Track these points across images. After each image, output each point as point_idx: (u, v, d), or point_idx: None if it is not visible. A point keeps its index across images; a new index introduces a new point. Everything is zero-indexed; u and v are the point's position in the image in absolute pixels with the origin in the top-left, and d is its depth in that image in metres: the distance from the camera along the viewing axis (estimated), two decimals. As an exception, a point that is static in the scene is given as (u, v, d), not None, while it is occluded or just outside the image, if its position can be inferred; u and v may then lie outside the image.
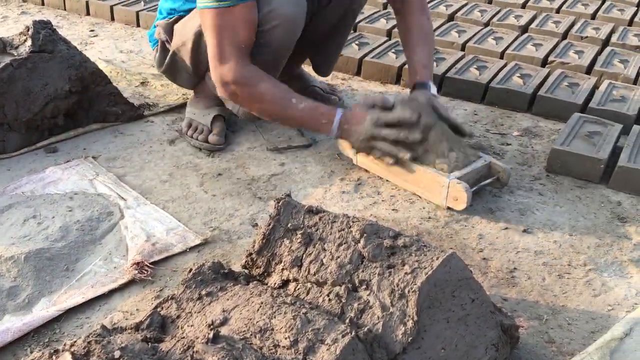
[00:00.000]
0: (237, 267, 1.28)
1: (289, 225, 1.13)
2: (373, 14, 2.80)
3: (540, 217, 1.58)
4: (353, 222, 1.16)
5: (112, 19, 2.85)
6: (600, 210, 1.61)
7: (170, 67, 1.90)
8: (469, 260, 1.42)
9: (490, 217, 1.58)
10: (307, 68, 2.19)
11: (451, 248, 1.46)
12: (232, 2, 1.54)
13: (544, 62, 2.37)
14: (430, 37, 1.87)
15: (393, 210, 1.60)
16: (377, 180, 1.72)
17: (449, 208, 1.59)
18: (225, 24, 1.56)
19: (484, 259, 1.43)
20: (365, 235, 1.12)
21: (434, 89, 1.76)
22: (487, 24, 2.73)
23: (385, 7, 2.94)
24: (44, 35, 1.79)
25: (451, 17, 2.80)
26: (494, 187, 1.67)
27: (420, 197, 1.65)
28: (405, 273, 1.06)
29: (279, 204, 1.15)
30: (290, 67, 2.12)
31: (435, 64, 2.32)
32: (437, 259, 1.08)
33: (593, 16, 2.86)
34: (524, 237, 1.51)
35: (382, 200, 1.64)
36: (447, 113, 1.66)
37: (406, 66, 2.28)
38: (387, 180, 1.72)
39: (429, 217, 1.58)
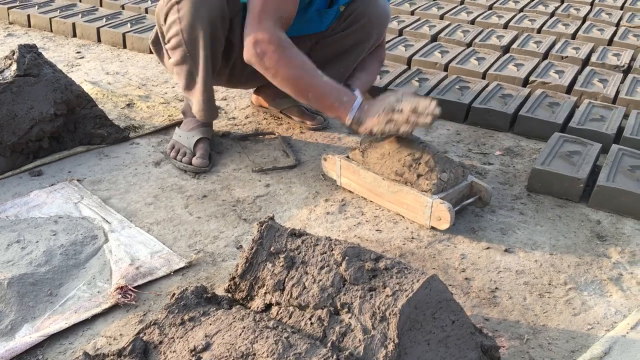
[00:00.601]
0: (221, 290, 1.29)
1: (271, 249, 1.14)
2: (392, 39, 2.81)
3: (522, 236, 1.61)
4: (335, 245, 1.17)
5: (99, 40, 2.87)
6: (580, 229, 1.64)
7: (156, 39, 1.94)
8: (451, 281, 1.43)
9: (473, 237, 1.60)
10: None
11: (434, 268, 1.47)
12: None
13: (525, 82, 2.41)
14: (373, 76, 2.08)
15: (377, 230, 1.62)
16: (361, 200, 1.74)
17: (432, 228, 1.61)
18: None
19: (466, 278, 1.45)
20: (347, 258, 1.14)
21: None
22: (469, 45, 2.77)
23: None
24: (30, 59, 1.80)
25: (434, 38, 2.84)
26: (476, 206, 1.70)
27: (403, 217, 1.66)
28: (387, 295, 1.08)
29: (262, 228, 1.16)
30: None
31: (418, 83, 2.36)
32: (418, 281, 1.09)
33: (573, 36, 2.92)
34: (506, 257, 1.53)
35: (366, 221, 1.66)
36: None
37: (390, 87, 2.32)
38: (370, 201, 1.73)
39: (412, 238, 1.59)
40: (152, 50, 1.99)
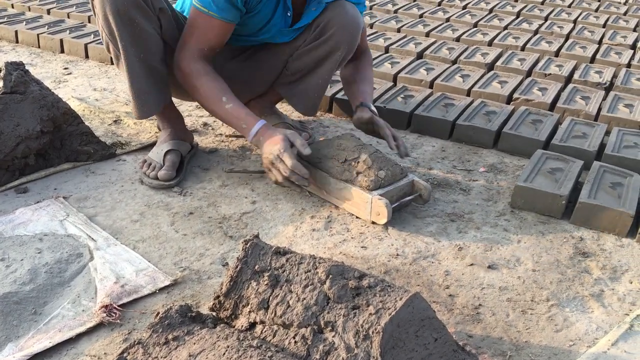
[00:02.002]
0: (206, 308, 1.29)
1: (256, 267, 1.15)
2: (378, 56, 2.84)
3: (505, 252, 1.63)
4: (319, 263, 1.18)
5: (87, 56, 2.88)
6: (562, 246, 1.66)
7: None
8: (435, 297, 1.45)
9: (457, 254, 1.62)
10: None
11: (418, 285, 1.49)
12: (215, 15, 1.76)
13: (509, 99, 2.44)
14: (372, 83, 2.13)
15: (362, 247, 1.63)
16: (346, 217, 1.76)
17: (373, 222, 1.71)
18: (201, 25, 1.79)
19: (450, 295, 1.46)
20: (330, 276, 1.15)
21: (373, 109, 1.97)
22: (454, 62, 2.81)
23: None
24: (16, 77, 1.81)
25: (420, 55, 2.88)
26: (417, 203, 1.79)
27: (388, 234, 1.68)
28: (370, 314, 1.09)
29: (247, 246, 1.17)
30: (267, 105, 2.18)
31: (404, 101, 2.39)
32: (401, 299, 1.11)
33: (556, 54, 2.97)
34: (489, 273, 1.55)
35: (352, 238, 1.67)
36: (385, 132, 1.89)
37: (376, 103, 2.34)
38: (356, 217, 1.75)
39: (397, 254, 1.61)
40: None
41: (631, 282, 1.53)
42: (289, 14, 1.90)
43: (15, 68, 1.84)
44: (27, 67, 1.92)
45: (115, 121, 2.25)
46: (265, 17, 1.88)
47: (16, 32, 3.04)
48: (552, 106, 2.40)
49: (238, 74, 2.06)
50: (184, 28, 1.84)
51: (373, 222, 1.71)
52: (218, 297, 1.15)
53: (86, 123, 2.05)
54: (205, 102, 1.84)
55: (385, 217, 1.66)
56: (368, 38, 3.06)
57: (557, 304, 1.44)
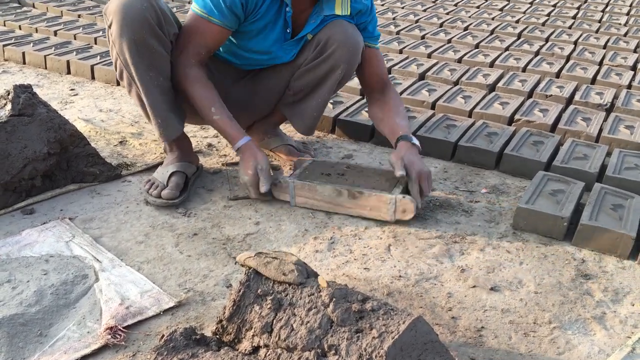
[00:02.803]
0: (210, 330, 1.30)
1: (259, 291, 1.16)
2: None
3: (507, 274, 1.63)
4: (320, 288, 1.19)
5: (93, 77, 2.92)
6: (564, 268, 1.67)
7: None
8: (438, 320, 1.45)
9: (459, 275, 1.63)
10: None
11: (421, 307, 1.50)
12: (216, 21, 1.83)
13: (511, 120, 2.47)
14: (406, 116, 2.13)
15: (365, 269, 1.64)
16: (349, 238, 1.77)
17: (397, 221, 1.83)
18: (199, 29, 1.86)
19: (453, 317, 1.47)
20: (334, 299, 1.16)
21: (415, 141, 1.97)
22: (456, 83, 2.84)
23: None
24: (24, 99, 1.84)
25: (422, 76, 2.91)
26: None
27: (390, 253, 1.69)
28: (373, 337, 1.10)
29: (249, 270, 1.18)
30: (271, 127, 2.20)
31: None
32: (404, 322, 1.11)
33: (557, 75, 3.00)
34: (492, 295, 1.55)
35: (354, 259, 1.68)
36: (413, 188, 1.86)
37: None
38: (359, 239, 1.76)
39: (400, 276, 1.62)
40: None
41: (633, 305, 1.53)
42: (288, 30, 1.94)
43: (23, 91, 1.87)
44: (34, 88, 1.95)
45: (120, 142, 2.27)
46: (264, 30, 1.90)
47: (23, 53, 3.08)
48: (554, 127, 2.42)
49: (243, 97, 2.09)
50: (182, 31, 1.88)
51: (397, 220, 1.83)
52: (221, 321, 1.16)
53: (92, 144, 2.08)
54: (198, 107, 1.89)
55: (412, 213, 1.81)
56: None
57: (559, 327, 1.45)
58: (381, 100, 2.10)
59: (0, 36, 3.32)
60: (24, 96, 1.84)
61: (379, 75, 2.10)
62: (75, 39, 3.34)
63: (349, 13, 1.95)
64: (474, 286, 1.58)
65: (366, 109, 2.48)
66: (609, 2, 4.64)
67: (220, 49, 2.00)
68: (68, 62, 2.97)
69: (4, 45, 3.16)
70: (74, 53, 3.06)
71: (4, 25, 3.59)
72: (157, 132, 1.88)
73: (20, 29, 3.52)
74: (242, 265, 1.24)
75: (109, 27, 1.77)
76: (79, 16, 3.78)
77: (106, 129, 2.38)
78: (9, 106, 1.83)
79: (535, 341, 1.40)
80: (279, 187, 1.92)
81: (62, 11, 3.86)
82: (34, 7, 4.02)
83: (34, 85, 2.76)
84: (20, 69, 3.04)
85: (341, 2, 1.94)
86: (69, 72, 2.98)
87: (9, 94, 1.86)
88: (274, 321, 1.13)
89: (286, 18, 1.90)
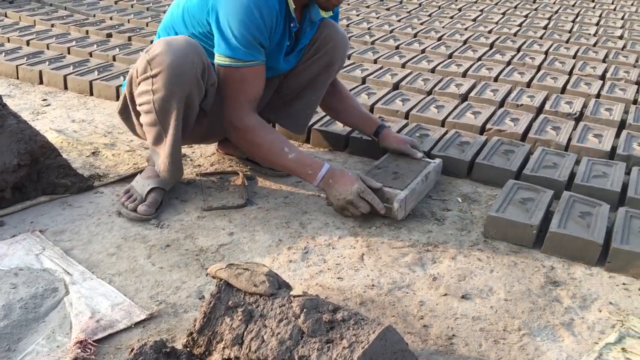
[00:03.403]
0: (182, 342, 1.30)
1: (229, 303, 1.17)
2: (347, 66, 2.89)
3: (478, 282, 1.66)
4: (294, 297, 1.20)
5: (66, 87, 2.89)
6: (534, 275, 1.69)
7: (123, 108, 1.98)
8: (410, 328, 1.47)
9: (431, 284, 1.64)
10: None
11: (393, 316, 1.51)
12: (251, 63, 1.81)
13: (482, 130, 2.50)
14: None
15: (338, 278, 1.65)
16: (323, 248, 1.78)
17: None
18: (241, 80, 1.84)
19: (425, 326, 1.48)
20: (305, 310, 1.16)
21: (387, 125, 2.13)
22: (429, 93, 2.87)
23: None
24: (-6, 111, 1.82)
25: (396, 86, 2.94)
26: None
27: (365, 264, 1.70)
28: (343, 347, 1.10)
29: (220, 282, 1.18)
30: None
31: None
32: (374, 332, 1.12)
33: (528, 84, 3.05)
34: (463, 303, 1.57)
35: (328, 269, 1.69)
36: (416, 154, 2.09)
37: (353, 134, 2.39)
38: (333, 248, 1.77)
39: (373, 285, 1.63)
40: (120, 119, 2.03)
41: (600, 311, 1.56)
42: (289, 43, 1.96)
43: (-7, 102, 1.85)
44: (5, 99, 1.93)
45: (93, 153, 2.26)
46: (276, 48, 1.93)
47: (-5, 64, 3.04)
48: (524, 136, 2.46)
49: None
50: (225, 91, 1.86)
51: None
52: (191, 333, 1.16)
53: (64, 155, 2.06)
54: (267, 155, 1.91)
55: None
56: (346, 69, 3.12)
57: (528, 333, 1.47)
58: (336, 93, 2.19)
59: (-30, 46, 3.28)
60: (-6, 107, 1.82)
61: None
62: (48, 48, 3.30)
63: (332, 12, 2.00)
64: (446, 294, 1.60)
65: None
66: (579, 12, 4.74)
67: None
68: (40, 72, 2.94)
69: (-25, 56, 3.12)
70: (47, 63, 3.03)
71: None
72: (164, 169, 1.87)
73: (-9, 38, 3.48)
74: (213, 277, 1.24)
75: (154, 76, 1.74)
76: (52, 25, 3.75)
77: (79, 139, 2.36)
78: (-23, 118, 1.80)
79: (505, 348, 1.42)
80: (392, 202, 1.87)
81: (35, 20, 3.83)
82: (6, 16, 3.97)
83: (5, 95, 2.73)
84: (-7, 79, 3.00)
85: None
86: (41, 82, 2.95)
87: (-23, 106, 1.83)
88: (245, 333, 1.13)
89: (291, 33, 1.92)
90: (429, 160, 2.11)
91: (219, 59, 1.82)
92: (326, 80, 2.12)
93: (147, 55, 1.76)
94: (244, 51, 1.78)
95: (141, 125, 1.89)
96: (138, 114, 1.88)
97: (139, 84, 1.81)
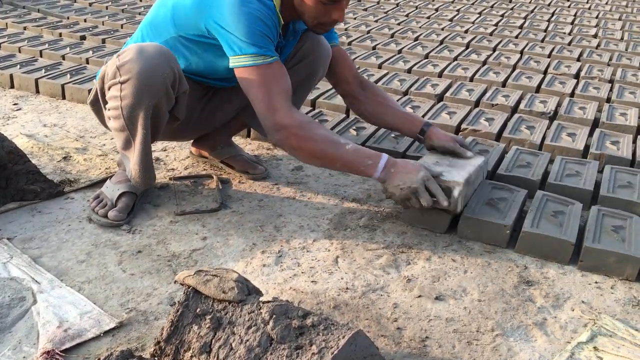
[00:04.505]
0: (149, 352, 1.28)
1: (197, 310, 1.15)
2: (331, 89, 2.88)
3: (452, 283, 1.65)
4: (263, 302, 1.18)
5: (37, 91, 2.85)
6: (507, 275, 1.70)
7: (95, 100, 1.94)
8: (383, 331, 1.46)
9: (406, 286, 1.64)
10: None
11: (367, 319, 1.50)
12: (272, 59, 1.72)
13: (457, 130, 2.51)
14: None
15: (312, 282, 1.64)
16: (297, 251, 1.76)
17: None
18: (269, 77, 1.72)
19: (398, 328, 1.48)
20: (274, 316, 1.15)
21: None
22: (405, 93, 2.87)
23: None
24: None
25: (372, 87, 2.93)
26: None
27: (338, 267, 1.69)
28: (313, 353, 1.09)
29: (188, 290, 1.16)
30: (225, 136, 2.18)
31: (356, 133, 2.43)
32: (343, 337, 1.12)
33: (504, 84, 3.07)
34: (436, 305, 1.57)
35: (302, 272, 1.68)
36: (467, 153, 1.96)
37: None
38: (307, 251, 1.76)
39: (347, 288, 1.62)
40: (91, 109, 1.99)
41: (573, 310, 1.57)
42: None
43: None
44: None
45: (64, 158, 2.22)
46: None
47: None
48: (499, 136, 2.47)
49: (207, 111, 2.07)
50: (254, 93, 1.73)
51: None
52: (159, 342, 1.14)
53: (34, 160, 2.03)
54: (325, 148, 1.75)
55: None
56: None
57: (501, 334, 1.47)
58: (371, 96, 2.11)
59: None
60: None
61: (354, 70, 2.14)
62: (19, 51, 3.25)
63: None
64: (420, 296, 1.60)
65: (317, 120, 2.48)
66: (554, 12, 4.78)
67: (202, 70, 1.92)
68: (11, 75, 2.89)
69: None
70: (18, 66, 2.98)
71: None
72: (134, 175, 1.83)
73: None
74: (182, 284, 1.22)
75: (122, 82, 1.71)
76: (25, 28, 3.69)
77: (50, 144, 2.32)
78: (-58, 124, 1.76)
79: (478, 349, 1.42)
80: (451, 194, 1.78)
81: (7, 23, 3.76)
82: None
83: (-25, 100, 2.68)
84: (-36, 84, 2.95)
85: None
86: (12, 86, 2.90)
87: (-58, 111, 1.79)
88: (213, 341, 1.12)
89: (277, 47, 1.88)
90: (479, 155, 2.02)
91: (242, 61, 1.71)
92: (306, 90, 2.11)
93: (118, 60, 1.73)
94: (260, 45, 1.70)
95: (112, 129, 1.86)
96: (107, 117, 1.85)
97: (109, 87, 1.78)
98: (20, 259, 1.63)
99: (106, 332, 1.40)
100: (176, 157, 2.30)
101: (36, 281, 1.54)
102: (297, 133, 1.74)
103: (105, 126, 2.00)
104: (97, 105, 1.94)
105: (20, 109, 2.66)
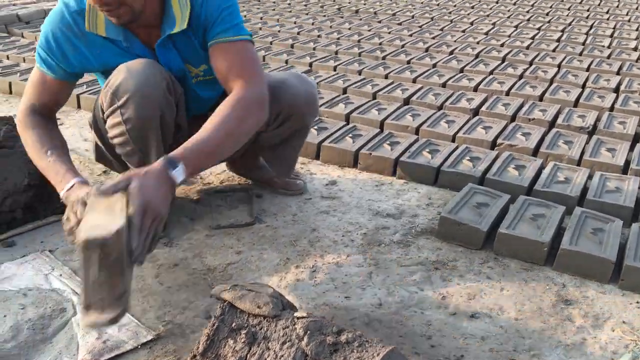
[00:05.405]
0: (186, 364, 1.30)
1: (233, 325, 1.16)
2: (333, 98, 2.92)
3: (488, 301, 1.63)
4: (298, 318, 1.19)
5: (79, 106, 2.93)
6: (545, 293, 1.67)
7: (99, 155, 1.96)
8: (417, 349, 1.45)
9: (440, 303, 1.62)
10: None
11: (400, 336, 1.49)
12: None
13: (493, 145, 2.48)
14: (231, 128, 1.57)
15: (345, 297, 1.64)
16: (331, 266, 1.77)
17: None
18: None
19: (432, 346, 1.46)
20: (309, 332, 1.15)
21: (177, 171, 1.43)
22: (440, 107, 2.86)
23: (344, 91, 3.07)
24: (5, 132, 1.85)
25: (406, 101, 2.93)
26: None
27: (372, 283, 1.69)
28: (347, 370, 1.09)
29: (224, 304, 1.18)
30: (250, 162, 2.20)
31: (390, 147, 2.42)
32: (378, 355, 1.11)
33: (540, 98, 3.03)
34: (472, 322, 1.55)
35: (335, 288, 1.68)
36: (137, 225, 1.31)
37: (362, 150, 2.38)
38: (341, 266, 1.76)
39: (380, 304, 1.61)
40: (103, 165, 2.01)
41: (613, 330, 1.53)
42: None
43: (5, 123, 1.88)
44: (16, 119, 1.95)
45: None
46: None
47: (10, 83, 3.09)
48: (536, 151, 2.43)
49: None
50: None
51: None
52: (195, 356, 1.15)
53: (75, 175, 2.08)
54: (30, 153, 1.68)
55: None
56: (357, 84, 3.11)
57: (539, 354, 1.44)
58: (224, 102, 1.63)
59: (-13, 66, 3.34)
60: (5, 128, 1.85)
61: (225, 72, 1.68)
62: (62, 68, 3.34)
63: (185, 25, 1.66)
64: (455, 313, 1.58)
65: (350, 135, 2.50)
66: (592, 24, 4.71)
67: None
68: (54, 91, 2.97)
69: (-10, 76, 3.18)
70: (61, 82, 3.06)
71: (-8, 55, 3.61)
72: None
73: (8, 58, 3.54)
74: (218, 299, 1.24)
75: (122, 106, 1.67)
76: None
77: (90, 158, 2.38)
78: (-11, 139, 1.83)
79: (515, 369, 1.40)
80: None
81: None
82: (22, 36, 4.04)
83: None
84: (7, 99, 3.05)
85: (180, 13, 1.66)
86: (55, 102, 2.98)
87: (-10, 127, 1.86)
88: (248, 355, 1.13)
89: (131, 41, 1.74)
90: None
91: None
92: (304, 136, 2.10)
93: (110, 88, 1.68)
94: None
95: (120, 161, 1.85)
96: (114, 153, 1.84)
97: (106, 119, 1.75)
98: (61, 271, 1.67)
99: (143, 344, 1.42)
100: (212, 171, 2.34)
101: (76, 293, 1.58)
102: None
103: (118, 172, 1.98)
104: (104, 157, 1.93)
105: (62, 124, 2.74)
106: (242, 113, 1.58)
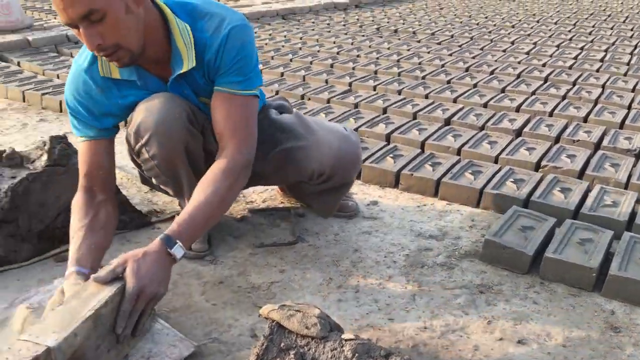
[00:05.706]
0: (233, 383, 1.31)
1: (281, 345, 1.17)
2: (373, 118, 2.93)
3: (535, 327, 1.61)
4: (346, 340, 1.20)
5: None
6: (593, 320, 1.63)
7: (143, 179, 2.02)
8: (463, 373, 1.44)
9: (486, 327, 1.61)
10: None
11: (446, 360, 1.48)
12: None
13: (537, 166, 2.46)
14: (222, 197, 1.57)
15: (389, 319, 1.63)
16: (374, 287, 1.77)
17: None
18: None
19: (479, 371, 1.45)
20: (357, 355, 1.16)
21: (178, 250, 1.47)
22: (482, 128, 2.85)
23: (384, 111, 3.09)
24: (59, 150, 1.91)
25: (447, 122, 2.92)
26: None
27: (416, 305, 1.68)
28: (395, 394, 1.09)
29: (273, 324, 1.19)
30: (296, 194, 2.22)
31: (432, 168, 2.41)
32: (426, 379, 1.11)
33: (585, 119, 2.99)
34: (519, 348, 1.53)
35: (379, 309, 1.68)
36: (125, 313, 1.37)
37: (404, 171, 2.38)
38: (384, 287, 1.76)
39: (425, 327, 1.60)
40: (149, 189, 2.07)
41: (666, 360, 1.49)
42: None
43: (59, 141, 1.95)
44: (69, 137, 2.02)
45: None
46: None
47: (60, 102, 3.20)
48: (581, 173, 2.40)
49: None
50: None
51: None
52: (245, 375, 1.17)
53: (123, 192, 2.14)
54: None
55: None
56: (397, 104, 3.13)
57: (589, 383, 1.41)
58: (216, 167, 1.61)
59: (38, 85, 3.46)
60: (59, 147, 1.92)
61: (221, 125, 1.65)
62: (110, 87, 3.45)
63: (194, 63, 1.62)
64: (501, 339, 1.56)
65: (391, 155, 2.51)
66: (637, 44, 4.63)
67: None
68: (103, 110, 3.07)
69: (42, 94, 3.29)
70: (109, 101, 3.16)
71: (43, 75, 3.75)
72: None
73: (58, 77, 3.67)
74: (266, 318, 1.25)
75: (146, 144, 1.71)
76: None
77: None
78: (44, 156, 1.90)
79: (564, 398, 1.37)
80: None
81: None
82: (71, 56, 4.18)
83: (70, 133, 2.86)
84: (57, 117, 3.16)
85: (187, 52, 1.62)
86: (103, 120, 3.07)
87: (45, 145, 1.93)
88: (297, 376, 1.14)
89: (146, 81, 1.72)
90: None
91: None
92: (348, 187, 2.09)
93: (132, 127, 1.71)
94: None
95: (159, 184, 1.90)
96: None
97: (137, 156, 1.80)
98: (111, 286, 1.71)
99: (191, 362, 1.44)
100: (254, 189, 2.37)
101: (126, 308, 1.61)
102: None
103: (172, 195, 2.00)
104: (148, 182, 1.99)
105: (110, 142, 2.82)
106: (232, 181, 1.59)
